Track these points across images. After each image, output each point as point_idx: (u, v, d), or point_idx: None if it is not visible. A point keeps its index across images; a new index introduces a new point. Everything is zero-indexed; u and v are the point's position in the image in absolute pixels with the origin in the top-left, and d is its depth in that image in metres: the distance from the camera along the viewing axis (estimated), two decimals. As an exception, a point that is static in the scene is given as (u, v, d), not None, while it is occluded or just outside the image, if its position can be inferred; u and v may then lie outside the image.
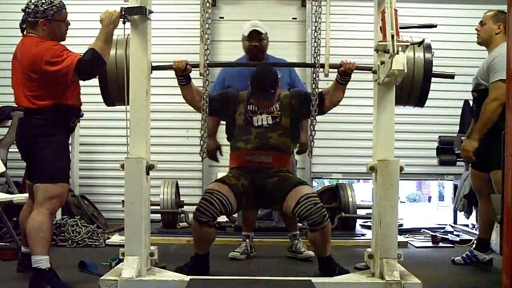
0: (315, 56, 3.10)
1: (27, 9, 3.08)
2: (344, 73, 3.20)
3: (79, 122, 5.00)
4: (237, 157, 3.48)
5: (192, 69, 3.22)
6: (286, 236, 4.07)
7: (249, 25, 3.92)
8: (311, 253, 3.75)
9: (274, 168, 3.39)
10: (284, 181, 3.34)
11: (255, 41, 3.86)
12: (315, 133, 3.16)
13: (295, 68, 4.21)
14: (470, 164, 3.93)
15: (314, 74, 3.13)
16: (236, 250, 3.88)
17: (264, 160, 3.38)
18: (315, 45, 3.09)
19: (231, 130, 3.52)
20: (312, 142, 3.16)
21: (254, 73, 3.41)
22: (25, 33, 3.13)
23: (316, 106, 3.15)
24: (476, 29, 3.70)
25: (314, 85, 3.15)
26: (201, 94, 3.20)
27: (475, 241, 4.57)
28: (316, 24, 3.09)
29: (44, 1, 3.05)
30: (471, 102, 3.95)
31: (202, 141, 3.16)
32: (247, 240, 3.94)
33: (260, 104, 3.43)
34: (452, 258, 3.89)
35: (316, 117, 3.16)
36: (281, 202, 3.29)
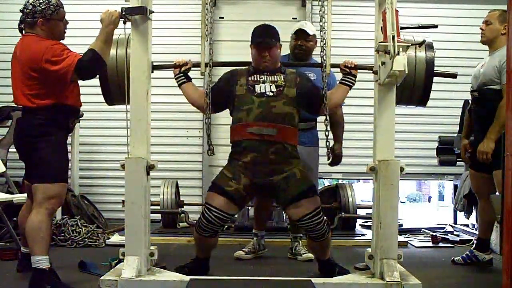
0: (322, 55, 3.13)
1: (25, 10, 3.07)
2: (349, 72, 3.20)
3: (79, 122, 5.03)
4: (238, 129, 3.21)
5: (193, 68, 3.22)
6: (286, 236, 4.06)
7: (298, 24, 3.90)
8: (311, 255, 3.74)
9: (278, 142, 3.15)
10: (289, 183, 3.15)
11: (301, 40, 3.79)
12: (328, 133, 3.15)
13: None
14: (469, 165, 3.92)
15: (323, 74, 3.16)
16: (243, 249, 3.86)
17: (267, 132, 3.12)
18: (322, 45, 3.12)
19: (232, 102, 3.27)
20: (328, 142, 3.16)
21: (255, 27, 3.31)
22: (23, 33, 3.12)
23: (324, 106, 3.15)
24: (481, 28, 3.68)
25: (323, 84, 3.16)
26: (202, 93, 3.19)
27: (475, 241, 4.57)
28: (321, 24, 3.12)
29: (41, 1, 3.05)
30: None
31: (209, 140, 3.17)
32: (255, 239, 3.91)
33: (262, 59, 3.23)
34: (452, 258, 3.90)
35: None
36: (285, 206, 3.22)
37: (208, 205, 3.16)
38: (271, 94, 3.19)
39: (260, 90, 3.21)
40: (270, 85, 3.22)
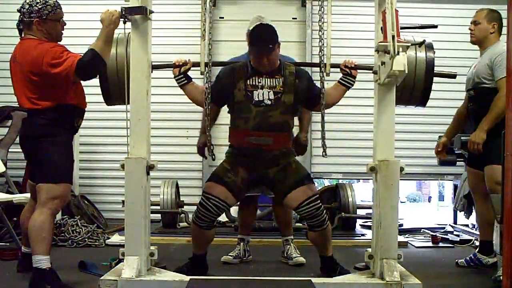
0: (321, 55, 3.12)
1: (22, 9, 3.07)
2: (348, 72, 3.20)
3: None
4: (236, 136, 3.28)
5: (192, 67, 3.22)
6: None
7: (255, 19, 3.72)
8: (302, 259, 3.73)
9: (275, 149, 3.23)
10: (286, 173, 3.23)
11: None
12: (325, 134, 3.14)
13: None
14: (467, 162, 3.91)
15: (321, 74, 3.14)
16: (229, 254, 3.78)
17: (264, 142, 3.20)
18: (321, 45, 3.10)
19: (231, 105, 3.30)
20: (324, 141, 3.15)
21: (253, 29, 3.26)
22: (23, 35, 3.12)
23: (323, 105, 3.15)
24: (470, 29, 3.70)
25: (321, 84, 3.15)
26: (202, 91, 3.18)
27: (475, 241, 4.56)
28: (320, 24, 3.11)
29: (38, 1, 3.04)
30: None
31: (208, 142, 3.18)
32: (242, 244, 3.83)
33: (260, 63, 3.18)
34: (456, 260, 3.82)
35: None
36: (282, 196, 3.26)
37: (207, 193, 3.20)
38: (268, 102, 3.20)
39: (258, 97, 3.21)
40: (268, 92, 3.21)
